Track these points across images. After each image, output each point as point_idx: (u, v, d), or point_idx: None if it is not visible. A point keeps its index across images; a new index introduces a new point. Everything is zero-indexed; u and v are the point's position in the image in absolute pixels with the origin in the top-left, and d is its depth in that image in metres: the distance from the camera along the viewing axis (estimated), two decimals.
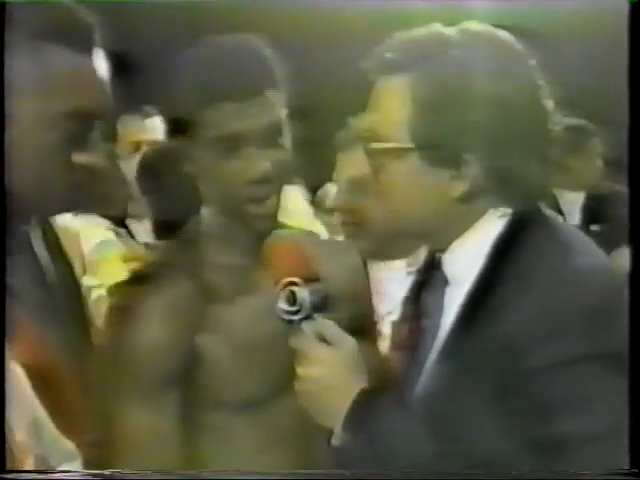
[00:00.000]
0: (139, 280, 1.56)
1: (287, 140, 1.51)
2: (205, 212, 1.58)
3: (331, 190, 3.16)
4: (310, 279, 1.36)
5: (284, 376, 1.47)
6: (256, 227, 1.51)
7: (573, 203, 3.78)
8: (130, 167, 2.78)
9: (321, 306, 1.36)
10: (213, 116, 1.45)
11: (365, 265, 1.89)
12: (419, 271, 1.51)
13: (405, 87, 1.31)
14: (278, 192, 1.51)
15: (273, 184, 1.49)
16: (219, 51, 1.48)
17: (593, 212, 3.76)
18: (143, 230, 2.81)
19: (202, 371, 1.50)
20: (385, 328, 1.70)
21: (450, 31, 1.34)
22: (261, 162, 1.46)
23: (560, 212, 3.50)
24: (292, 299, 1.34)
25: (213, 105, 1.44)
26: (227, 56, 1.47)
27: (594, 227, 3.55)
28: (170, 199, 2.44)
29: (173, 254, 1.59)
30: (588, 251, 1.30)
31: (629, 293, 1.24)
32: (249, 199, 1.48)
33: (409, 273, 1.67)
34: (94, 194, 1.42)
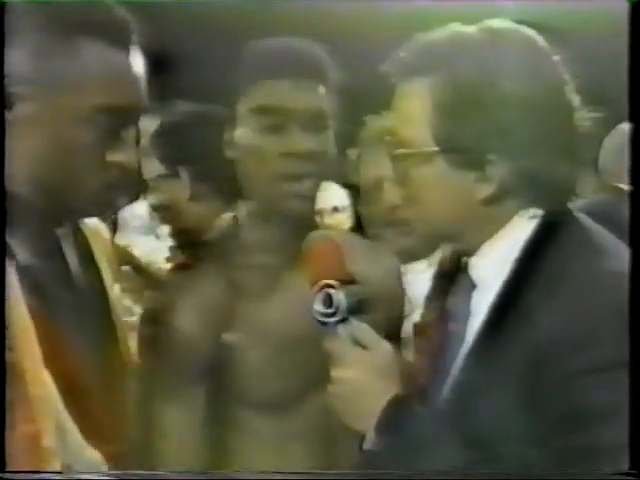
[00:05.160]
0: (172, 278, 1.60)
1: (330, 137, 1.53)
2: (242, 208, 1.59)
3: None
4: (346, 281, 1.35)
5: (312, 377, 1.48)
6: (291, 207, 1.51)
7: None
8: None
9: (357, 309, 1.34)
10: (263, 89, 1.48)
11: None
12: (443, 274, 1.49)
13: (425, 90, 1.29)
14: (317, 177, 1.52)
15: (313, 166, 1.50)
16: (280, 41, 1.53)
17: None
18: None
19: (230, 369, 1.51)
20: (406, 330, 1.68)
21: (470, 30, 1.31)
22: (304, 140, 1.48)
23: None
24: (328, 301, 1.33)
25: (265, 82, 1.48)
26: (287, 45, 1.52)
27: None
28: None
29: (205, 252, 1.61)
30: (622, 254, 1.27)
31: (629, 293, 1.20)
32: (286, 175, 1.49)
33: (429, 274, 1.65)
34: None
